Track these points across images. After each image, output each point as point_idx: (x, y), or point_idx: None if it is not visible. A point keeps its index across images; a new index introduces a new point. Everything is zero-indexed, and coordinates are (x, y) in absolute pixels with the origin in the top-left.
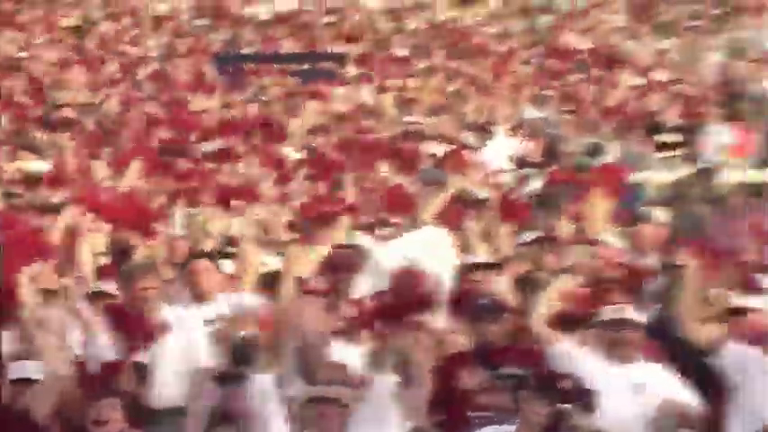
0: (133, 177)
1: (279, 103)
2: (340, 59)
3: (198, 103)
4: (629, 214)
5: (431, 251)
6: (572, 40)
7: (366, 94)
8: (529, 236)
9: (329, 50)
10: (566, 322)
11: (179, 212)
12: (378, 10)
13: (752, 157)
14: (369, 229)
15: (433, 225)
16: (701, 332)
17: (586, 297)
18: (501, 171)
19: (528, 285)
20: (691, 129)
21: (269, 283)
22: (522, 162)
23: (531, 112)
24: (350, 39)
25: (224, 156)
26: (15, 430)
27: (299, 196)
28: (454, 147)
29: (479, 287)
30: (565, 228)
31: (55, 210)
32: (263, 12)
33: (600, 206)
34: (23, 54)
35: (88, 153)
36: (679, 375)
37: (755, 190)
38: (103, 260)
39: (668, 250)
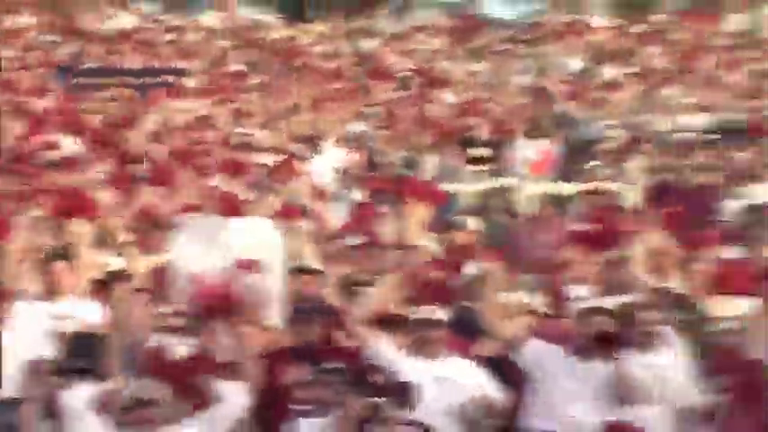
0: None
1: (119, 113)
2: (179, 74)
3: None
4: (444, 222)
5: (258, 241)
6: (394, 59)
7: (202, 107)
8: (352, 240)
9: (170, 66)
10: (383, 322)
11: (28, 215)
12: (215, 28)
13: (552, 171)
14: None
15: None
16: (504, 329)
17: (404, 298)
18: (326, 181)
19: (350, 287)
20: (499, 144)
21: (108, 282)
22: (345, 173)
23: (354, 127)
24: (188, 55)
25: (67, 164)
26: None
27: (137, 202)
28: (284, 157)
29: (305, 289)
30: (387, 233)
31: None
32: (110, 28)
33: (417, 214)
34: None
35: None
36: (483, 369)
37: (554, 201)
38: None
39: (477, 255)
